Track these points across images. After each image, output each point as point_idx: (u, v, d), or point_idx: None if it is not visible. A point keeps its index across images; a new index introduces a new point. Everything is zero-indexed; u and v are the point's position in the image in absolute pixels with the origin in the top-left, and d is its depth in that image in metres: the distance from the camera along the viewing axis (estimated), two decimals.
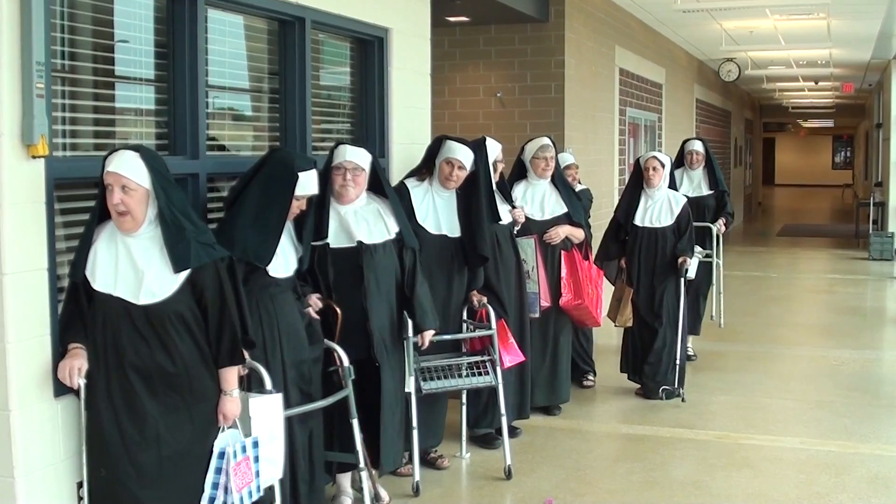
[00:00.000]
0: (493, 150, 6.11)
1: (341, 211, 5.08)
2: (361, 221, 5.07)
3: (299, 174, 4.47)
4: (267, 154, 4.68)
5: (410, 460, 5.51)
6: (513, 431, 6.46)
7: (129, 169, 3.74)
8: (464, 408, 6.13)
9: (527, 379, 6.48)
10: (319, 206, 4.97)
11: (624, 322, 7.54)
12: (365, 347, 5.01)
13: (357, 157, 5.08)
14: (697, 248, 7.93)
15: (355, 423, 4.83)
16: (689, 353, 8.49)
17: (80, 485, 3.86)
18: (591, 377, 7.95)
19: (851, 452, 6.31)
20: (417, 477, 5.47)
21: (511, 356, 5.98)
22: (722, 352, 8.14)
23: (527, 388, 6.49)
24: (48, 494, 3.85)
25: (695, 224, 7.86)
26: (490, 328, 5.77)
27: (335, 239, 5.02)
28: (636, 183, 7.63)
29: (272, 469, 4.14)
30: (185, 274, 3.80)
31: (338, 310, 4.92)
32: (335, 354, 4.81)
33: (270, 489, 4.18)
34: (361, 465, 4.86)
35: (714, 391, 7.87)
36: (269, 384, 4.15)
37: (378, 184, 5.24)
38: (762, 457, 6.24)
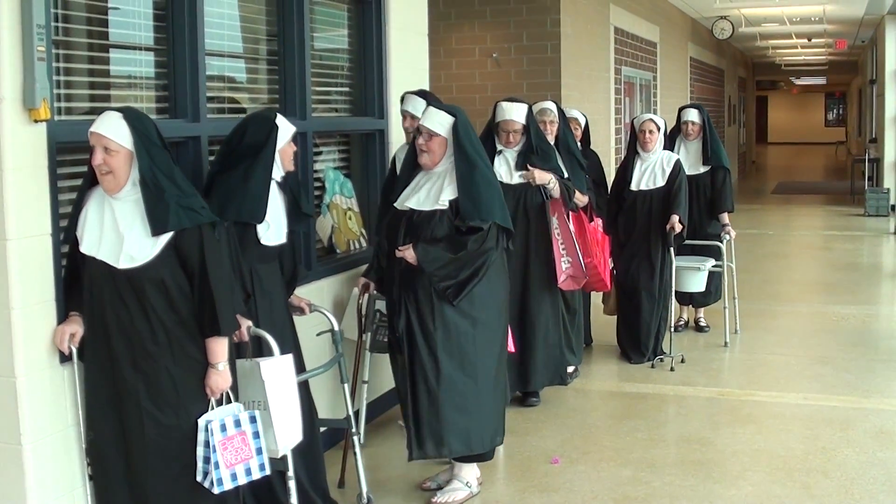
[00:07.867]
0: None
1: (419, 175, 4.85)
2: (423, 187, 4.79)
3: (276, 122, 4.34)
4: (244, 118, 4.56)
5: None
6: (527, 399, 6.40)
7: (109, 130, 3.66)
8: None
9: (527, 351, 6.08)
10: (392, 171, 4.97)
11: (610, 310, 7.61)
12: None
13: (432, 121, 4.72)
14: (703, 259, 7.78)
15: (346, 387, 4.80)
16: (703, 325, 8.45)
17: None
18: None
19: (855, 407, 6.33)
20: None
21: None
22: (721, 309, 8.13)
23: (527, 362, 6.11)
24: (55, 461, 3.83)
25: (697, 242, 7.84)
26: None
27: (400, 202, 4.83)
28: (632, 147, 7.55)
29: (292, 434, 4.10)
30: (166, 239, 3.68)
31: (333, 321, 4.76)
32: (327, 319, 4.77)
33: (283, 458, 4.13)
34: (353, 429, 4.82)
35: (715, 348, 7.88)
36: (275, 349, 4.12)
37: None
38: (766, 413, 6.25)
